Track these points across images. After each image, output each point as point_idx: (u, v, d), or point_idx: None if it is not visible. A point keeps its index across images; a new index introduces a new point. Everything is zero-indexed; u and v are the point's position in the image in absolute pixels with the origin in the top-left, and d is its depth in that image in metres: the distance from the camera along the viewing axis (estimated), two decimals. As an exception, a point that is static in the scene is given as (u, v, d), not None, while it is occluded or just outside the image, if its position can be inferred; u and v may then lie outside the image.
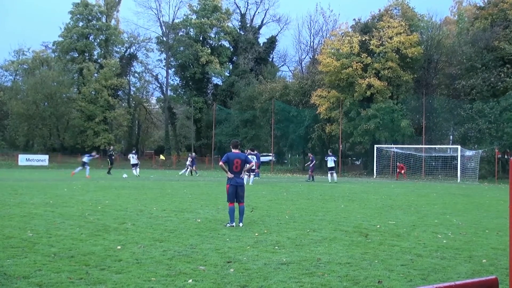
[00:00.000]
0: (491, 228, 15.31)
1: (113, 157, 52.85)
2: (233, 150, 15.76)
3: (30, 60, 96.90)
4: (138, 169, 46.84)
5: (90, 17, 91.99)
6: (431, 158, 57.01)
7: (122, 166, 65.71)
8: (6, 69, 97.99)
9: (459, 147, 52.33)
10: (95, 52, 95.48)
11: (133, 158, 47.30)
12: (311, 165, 45.79)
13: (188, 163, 53.88)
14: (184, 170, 54.39)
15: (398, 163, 54.31)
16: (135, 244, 11.71)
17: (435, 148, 56.76)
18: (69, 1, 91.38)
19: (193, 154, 59.53)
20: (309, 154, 49.55)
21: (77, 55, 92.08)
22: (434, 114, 60.24)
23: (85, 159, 44.52)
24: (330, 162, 42.52)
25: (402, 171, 52.86)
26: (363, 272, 9.28)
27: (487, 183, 46.68)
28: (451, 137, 63.80)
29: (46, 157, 71.90)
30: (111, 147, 58.66)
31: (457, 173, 51.17)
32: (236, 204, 15.38)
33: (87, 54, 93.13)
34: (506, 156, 55.09)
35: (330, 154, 43.28)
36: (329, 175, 42.99)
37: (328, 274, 9.09)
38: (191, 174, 52.20)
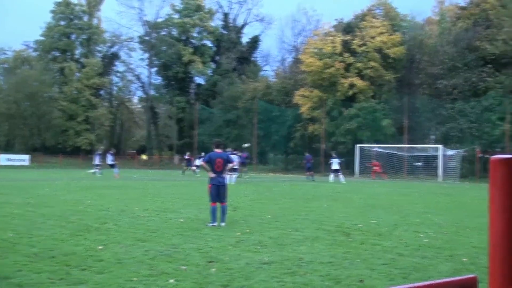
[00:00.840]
0: (472, 227, 15.39)
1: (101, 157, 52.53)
2: (216, 150, 15.75)
3: (11, 59, 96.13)
4: (117, 170, 45.79)
5: (72, 16, 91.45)
6: (413, 158, 57.26)
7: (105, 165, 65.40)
8: None
9: (440, 146, 52.62)
10: (77, 51, 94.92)
11: (110, 159, 46.21)
12: (307, 165, 46.09)
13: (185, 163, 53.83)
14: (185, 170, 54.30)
15: (372, 161, 54.61)
16: (116, 244, 11.65)
17: (417, 147, 56.99)
18: (51, 0, 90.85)
19: (188, 153, 58.95)
20: (306, 154, 49.49)
21: (59, 54, 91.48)
22: (416, 113, 60.47)
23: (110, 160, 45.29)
24: (335, 164, 42.85)
25: (377, 168, 53.21)
26: (345, 271, 9.29)
27: (468, 182, 46.98)
28: (433, 136, 64.07)
29: (28, 157, 71.43)
30: (101, 147, 58.29)
31: (438, 172, 51.42)
32: (218, 204, 15.36)
33: (69, 53, 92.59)
34: (487, 156, 55.43)
35: (335, 156, 43.69)
36: (332, 176, 43.21)
37: (310, 273, 9.08)
38: (185, 173, 51.92)
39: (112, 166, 45.49)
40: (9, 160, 69.41)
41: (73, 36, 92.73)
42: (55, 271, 8.90)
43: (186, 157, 54.94)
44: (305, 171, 46.66)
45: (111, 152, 48.11)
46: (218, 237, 12.88)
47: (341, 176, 42.70)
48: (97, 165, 47.46)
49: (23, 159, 70.86)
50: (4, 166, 65.92)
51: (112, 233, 13.20)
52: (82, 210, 18.07)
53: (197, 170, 53.24)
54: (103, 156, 49.70)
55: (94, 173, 47.47)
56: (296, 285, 8.28)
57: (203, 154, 55.44)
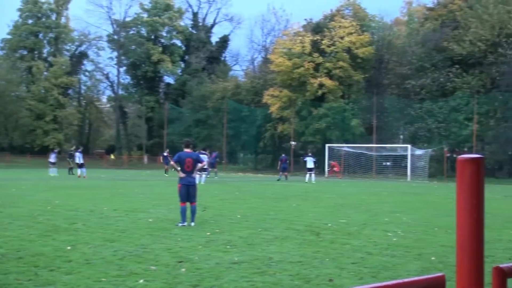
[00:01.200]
0: (440, 226, 15.53)
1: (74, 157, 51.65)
2: (185, 150, 15.71)
3: None
4: (84, 170, 44.02)
5: (39, 15, 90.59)
6: (382, 157, 57.65)
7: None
8: None
9: (409, 146, 53.01)
10: (45, 50, 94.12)
11: (79, 158, 44.67)
12: (283, 165, 46.03)
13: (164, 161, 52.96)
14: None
15: (331, 162, 54.96)
16: (85, 244, 11.56)
17: (385, 147, 57.38)
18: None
19: (167, 151, 57.52)
20: (282, 155, 49.37)
21: (26, 53, 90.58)
22: (384, 113, 60.90)
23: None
24: (310, 162, 42.90)
25: (335, 169, 53.64)
26: (315, 270, 9.32)
27: (437, 182, 47.39)
28: (401, 136, 64.56)
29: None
30: (73, 147, 57.43)
31: (407, 172, 51.80)
32: (188, 204, 15.32)
33: (37, 52, 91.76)
34: (454, 155, 55.98)
35: (310, 155, 43.75)
36: (307, 175, 43.27)
37: (280, 273, 9.10)
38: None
39: (80, 166, 44.15)
40: None
41: (41, 35, 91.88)
42: (23, 272, 8.81)
43: (165, 154, 54.09)
44: (280, 171, 46.62)
45: (79, 150, 47.15)
46: (188, 237, 12.85)
47: (313, 175, 42.86)
48: (52, 163, 46.72)
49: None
50: None
51: (81, 234, 13.10)
52: (50, 210, 17.90)
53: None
54: (72, 155, 49.17)
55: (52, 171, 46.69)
56: (265, 285, 8.29)
57: (167, 151, 55.16)
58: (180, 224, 14.82)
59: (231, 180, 45.08)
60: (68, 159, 50.49)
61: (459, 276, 1.98)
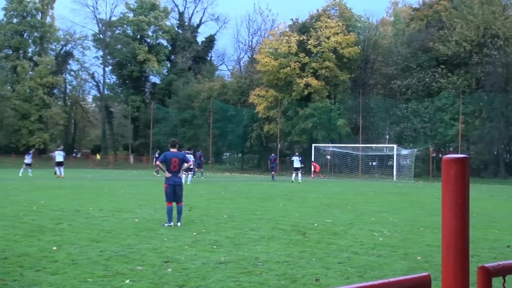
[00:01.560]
0: (426, 226, 15.59)
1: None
2: (171, 150, 15.70)
3: None
4: (62, 169, 43.09)
5: (24, 14, 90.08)
6: (368, 157, 57.82)
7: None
8: None
9: (395, 146, 53.20)
10: (30, 50, 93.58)
11: (59, 156, 43.77)
12: (271, 165, 45.97)
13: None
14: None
15: (312, 162, 55.06)
16: (71, 244, 11.52)
17: (371, 147, 57.55)
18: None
19: (158, 151, 56.54)
20: (272, 154, 49.17)
21: (11, 52, 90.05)
22: (370, 113, 61.09)
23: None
24: (296, 162, 42.93)
25: (316, 170, 53.83)
26: (301, 270, 9.33)
27: (422, 181, 47.59)
28: (387, 136, 64.77)
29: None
30: (61, 146, 56.92)
31: (393, 171, 51.97)
32: (174, 204, 15.30)
33: (22, 52, 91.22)
34: (440, 155, 56.24)
35: (297, 154, 43.77)
36: (294, 174, 43.31)
37: (266, 272, 9.10)
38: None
39: (58, 164, 43.23)
40: None
41: (26, 34, 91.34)
42: (8, 273, 8.77)
43: (156, 155, 53.42)
44: (270, 171, 46.51)
45: (59, 149, 46.20)
46: (174, 237, 12.83)
47: (299, 175, 42.93)
48: (27, 164, 46.09)
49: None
50: None
51: (66, 234, 13.05)
52: (35, 211, 17.82)
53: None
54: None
55: (26, 172, 45.54)
56: (252, 285, 8.29)
57: (157, 151, 54.74)
58: (167, 224, 14.80)
59: (218, 180, 45.05)
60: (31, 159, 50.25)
61: (444, 275, 1.99)
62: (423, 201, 25.34)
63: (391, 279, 1.99)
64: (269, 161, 46.90)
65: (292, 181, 41.78)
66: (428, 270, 9.28)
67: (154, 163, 51.76)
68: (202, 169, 49.09)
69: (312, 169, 54.39)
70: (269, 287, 8.24)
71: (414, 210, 20.50)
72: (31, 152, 49.04)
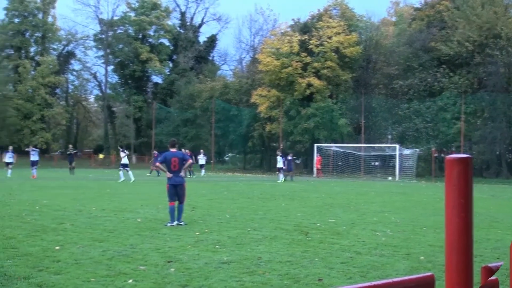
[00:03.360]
0: (428, 226, 15.60)
1: (73, 156, 50.48)
2: (171, 149, 15.73)
3: None
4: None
5: (26, 13, 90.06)
6: (370, 157, 57.77)
7: (61, 165, 64.63)
8: None
9: (397, 146, 53.12)
10: (32, 49, 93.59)
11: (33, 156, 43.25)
12: (284, 166, 45.20)
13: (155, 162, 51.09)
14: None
15: (316, 157, 54.94)
16: (74, 244, 11.55)
17: (374, 147, 57.49)
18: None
19: (155, 152, 55.72)
20: (277, 152, 48.34)
21: (13, 52, 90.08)
22: (373, 113, 61.02)
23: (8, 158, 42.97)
24: (279, 162, 43.13)
25: (318, 166, 53.74)
26: (304, 270, 9.35)
27: (424, 181, 47.52)
28: (389, 136, 64.69)
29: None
30: (70, 146, 56.68)
31: (395, 171, 51.92)
32: (177, 203, 15.34)
33: (24, 51, 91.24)
34: (442, 155, 56.18)
35: (281, 154, 43.90)
36: (281, 174, 43.46)
37: (269, 272, 9.12)
38: (157, 174, 49.83)
39: (34, 163, 42.35)
40: None
41: (28, 34, 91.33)
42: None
43: (155, 155, 52.93)
44: (281, 171, 45.93)
45: (34, 149, 45.41)
46: (177, 237, 12.86)
47: (280, 175, 43.05)
48: (8, 163, 44.43)
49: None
50: None
51: (69, 234, 13.09)
52: (38, 210, 17.87)
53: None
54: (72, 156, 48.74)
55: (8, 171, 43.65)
56: (254, 284, 8.31)
57: (155, 153, 54.44)
58: (169, 224, 14.85)
59: (220, 179, 45.05)
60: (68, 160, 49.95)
61: (448, 275, 2.00)
62: (426, 201, 25.34)
63: (395, 279, 2.00)
64: (284, 162, 46.02)
65: (279, 182, 41.99)
66: (431, 270, 9.29)
67: (152, 164, 51.54)
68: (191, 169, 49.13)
69: (315, 168, 54.09)
70: (271, 287, 8.26)
71: (417, 210, 20.50)
72: (10, 150, 47.01)
